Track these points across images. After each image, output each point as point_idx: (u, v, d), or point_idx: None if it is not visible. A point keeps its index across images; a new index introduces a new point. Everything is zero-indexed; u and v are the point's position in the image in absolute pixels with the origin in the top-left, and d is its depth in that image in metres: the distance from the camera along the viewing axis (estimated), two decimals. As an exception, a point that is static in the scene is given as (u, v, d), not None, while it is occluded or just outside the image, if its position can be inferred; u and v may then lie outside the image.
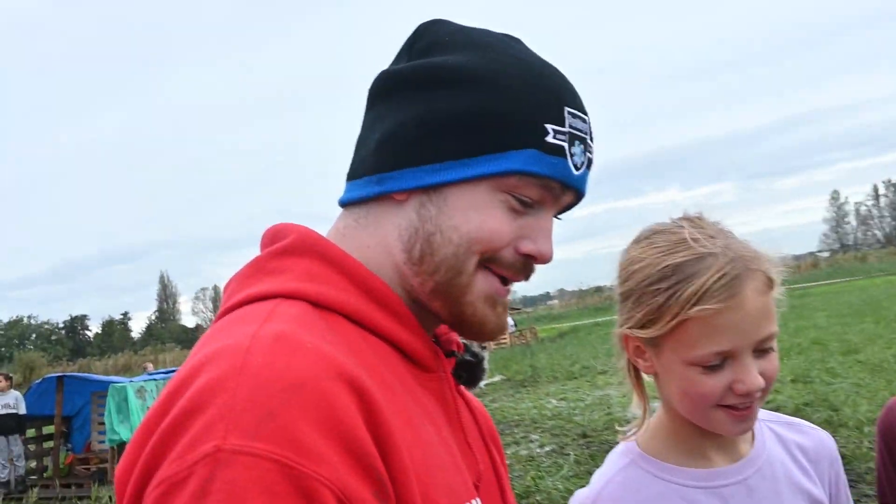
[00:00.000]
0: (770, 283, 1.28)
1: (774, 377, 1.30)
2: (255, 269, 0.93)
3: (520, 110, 0.90)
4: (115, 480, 0.80)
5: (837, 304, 26.18)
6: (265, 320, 0.81)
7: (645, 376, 1.45)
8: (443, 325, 1.00)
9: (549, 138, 0.90)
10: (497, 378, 18.73)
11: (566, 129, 0.92)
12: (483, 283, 0.93)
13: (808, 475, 1.43)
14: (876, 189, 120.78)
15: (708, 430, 1.36)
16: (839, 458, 1.49)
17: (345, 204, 1.01)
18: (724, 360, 1.26)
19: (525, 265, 0.95)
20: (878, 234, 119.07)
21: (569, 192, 0.95)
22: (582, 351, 23.49)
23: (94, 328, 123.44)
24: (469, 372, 1.04)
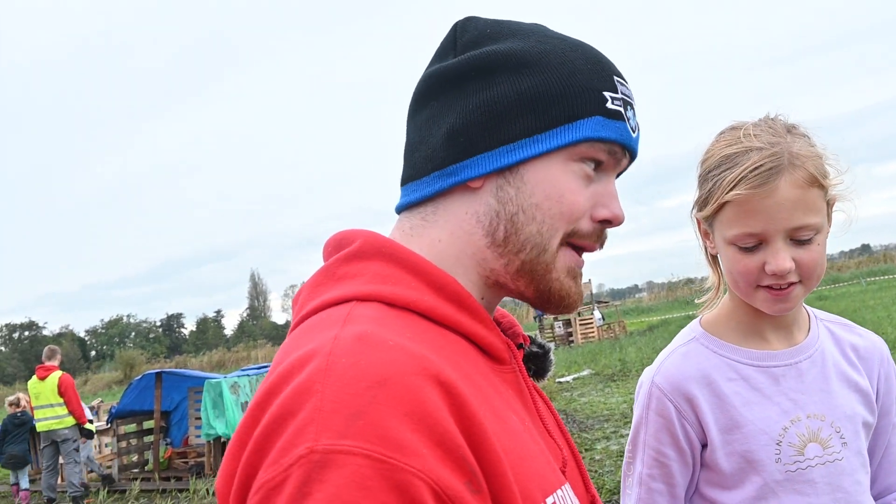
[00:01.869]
0: (812, 179, 1.39)
1: (813, 267, 1.42)
2: (325, 277, 0.94)
3: (579, 83, 0.95)
4: (217, 492, 0.82)
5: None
6: (344, 323, 0.83)
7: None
8: (507, 318, 1.02)
9: (609, 105, 0.96)
10: (585, 372, 18.55)
11: (620, 96, 0.97)
12: (565, 258, 0.97)
13: (857, 369, 1.57)
14: None
15: (758, 309, 1.51)
16: (891, 359, 1.62)
17: (407, 206, 1.02)
18: (758, 242, 1.42)
19: (600, 232, 0.99)
20: None
21: (627, 155, 1.00)
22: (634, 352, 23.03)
23: (190, 326, 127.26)
24: (537, 363, 1.04)
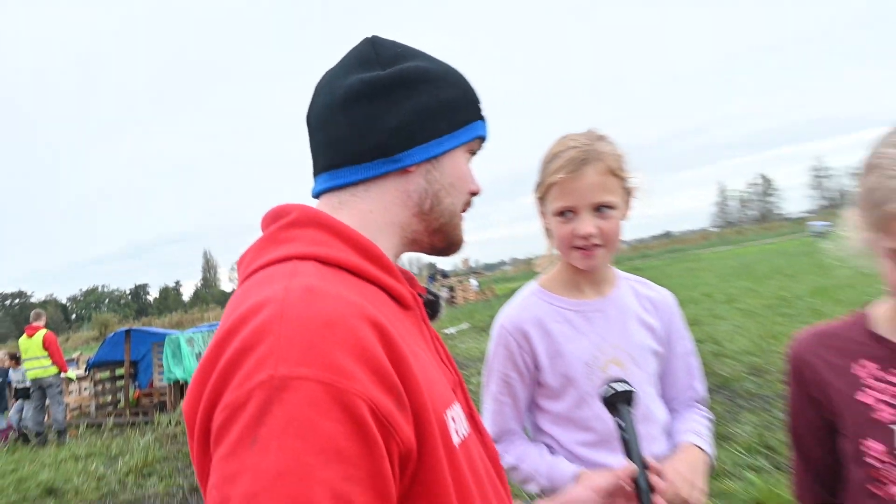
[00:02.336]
0: (610, 170, 1.51)
1: (610, 234, 1.52)
2: (268, 242, 0.91)
3: (470, 95, 1.03)
4: (184, 414, 0.80)
5: (722, 267, 26.46)
6: (291, 276, 0.81)
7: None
8: (408, 274, 1.02)
9: (483, 111, 1.05)
10: (464, 325, 18.79)
11: (482, 105, 1.06)
12: (461, 218, 1.05)
13: (651, 314, 1.66)
14: (752, 180, 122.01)
15: (577, 269, 1.59)
16: (675, 306, 1.72)
17: (335, 187, 0.98)
18: (572, 213, 1.52)
19: (471, 201, 1.06)
20: (753, 213, 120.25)
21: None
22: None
23: (154, 294, 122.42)
24: (431, 309, 1.05)
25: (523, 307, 1.65)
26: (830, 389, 1.20)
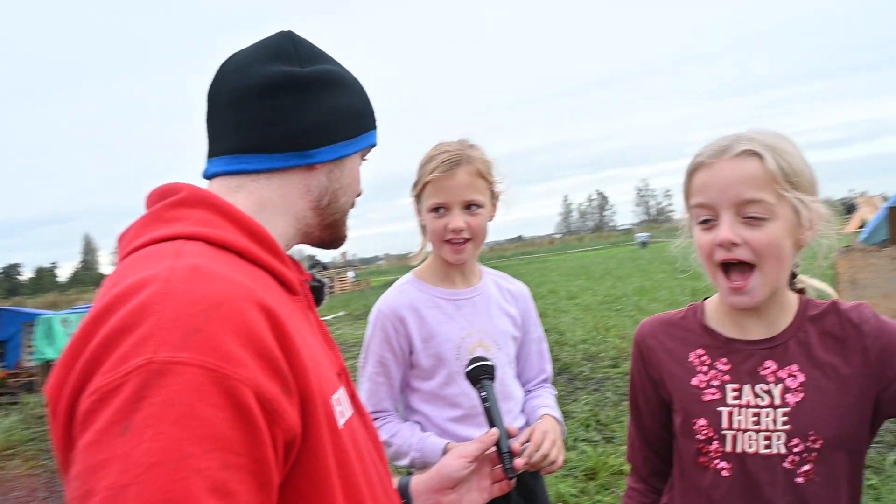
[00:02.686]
0: (478, 172, 1.55)
1: (478, 230, 1.56)
2: (153, 219, 0.80)
3: (370, 103, 0.99)
4: (48, 396, 0.68)
5: (565, 268, 27.85)
6: (176, 256, 0.71)
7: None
8: (294, 261, 0.94)
9: (376, 121, 1.01)
10: (341, 313, 18.49)
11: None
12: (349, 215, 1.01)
13: (510, 303, 1.72)
14: (590, 195, 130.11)
15: (448, 262, 1.60)
16: (530, 298, 1.79)
17: (238, 172, 0.88)
18: (444, 210, 1.55)
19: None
20: (591, 223, 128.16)
21: None
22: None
23: (28, 274, 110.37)
24: (316, 295, 0.98)
25: (400, 294, 1.66)
26: (668, 373, 1.24)
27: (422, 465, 1.52)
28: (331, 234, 0.98)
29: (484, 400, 1.26)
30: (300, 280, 0.89)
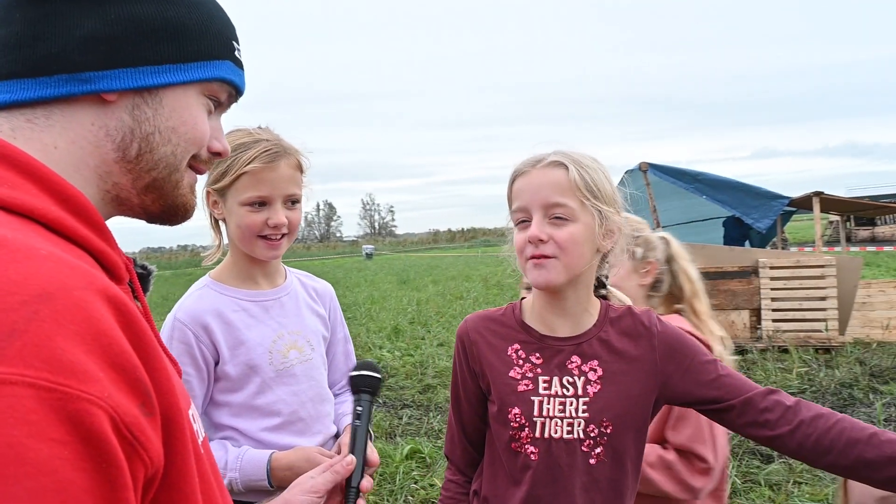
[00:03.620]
0: (298, 164, 1.47)
1: (296, 225, 1.48)
2: None
3: (216, 27, 0.74)
4: None
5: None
6: None
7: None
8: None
9: (237, 53, 0.77)
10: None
11: (239, 48, 0.79)
12: (189, 177, 0.76)
13: (317, 303, 1.63)
14: (318, 205, 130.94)
15: (254, 257, 1.47)
16: (335, 297, 1.71)
17: (9, 104, 0.65)
18: (261, 204, 1.41)
19: (210, 161, 0.78)
20: (317, 233, 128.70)
21: (236, 99, 0.81)
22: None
23: None
24: (143, 284, 0.76)
25: (199, 299, 1.47)
26: (489, 365, 1.30)
27: (245, 486, 1.35)
28: (156, 202, 0.73)
29: (357, 416, 1.13)
30: (126, 262, 0.68)
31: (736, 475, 3.87)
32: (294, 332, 1.52)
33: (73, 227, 0.59)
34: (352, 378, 1.19)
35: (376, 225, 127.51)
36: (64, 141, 0.65)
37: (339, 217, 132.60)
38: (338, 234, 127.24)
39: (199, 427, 0.65)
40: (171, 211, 0.75)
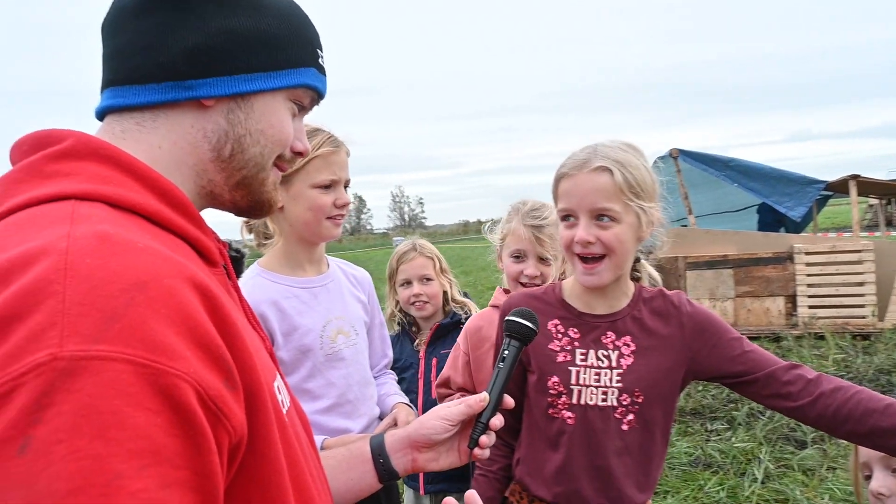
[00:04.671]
0: (348, 152, 1.59)
1: (346, 204, 1.59)
2: (28, 174, 0.64)
3: (303, 36, 0.81)
4: None
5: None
6: (73, 220, 0.57)
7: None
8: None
9: (321, 60, 0.84)
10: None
11: (322, 55, 0.85)
12: (273, 174, 0.83)
13: (358, 290, 1.74)
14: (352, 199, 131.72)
15: (306, 244, 1.59)
16: (372, 282, 1.82)
17: (116, 108, 0.74)
18: (332, 184, 1.55)
19: (293, 160, 0.86)
20: (349, 226, 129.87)
21: (318, 103, 0.88)
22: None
23: None
24: (236, 266, 0.85)
25: (254, 288, 1.56)
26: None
27: None
28: (245, 197, 0.81)
29: (502, 359, 1.15)
30: (220, 248, 0.77)
31: (769, 460, 3.89)
32: (339, 317, 1.62)
33: (170, 219, 0.67)
34: (507, 322, 1.17)
35: (406, 217, 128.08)
36: (167, 142, 0.74)
37: (369, 210, 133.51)
38: (368, 227, 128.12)
39: (283, 397, 0.72)
40: (258, 206, 0.83)
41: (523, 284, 1.83)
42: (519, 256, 1.83)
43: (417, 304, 2.28)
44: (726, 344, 1.34)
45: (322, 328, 1.57)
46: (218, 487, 0.55)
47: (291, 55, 0.79)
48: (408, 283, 2.29)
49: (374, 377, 1.77)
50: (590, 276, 1.33)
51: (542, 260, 1.81)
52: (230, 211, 0.84)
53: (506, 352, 1.15)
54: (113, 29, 0.75)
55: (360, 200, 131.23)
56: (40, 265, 0.51)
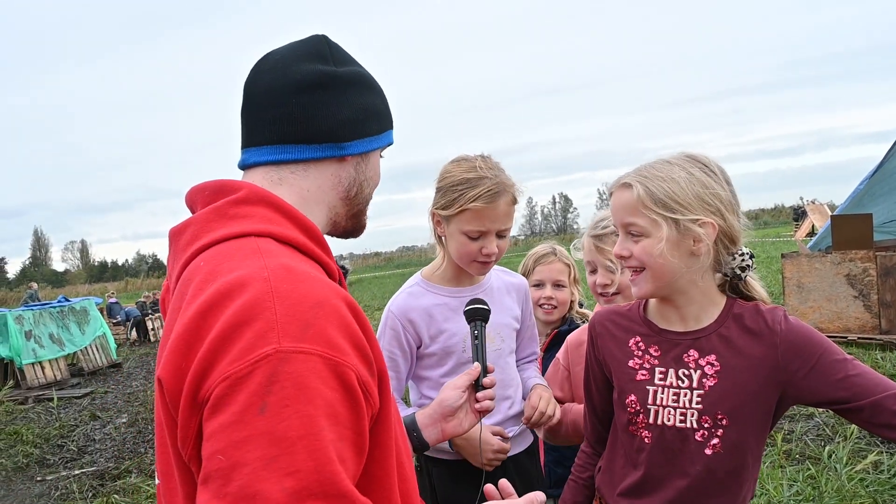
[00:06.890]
0: (514, 199, 1.68)
1: (504, 251, 1.69)
2: (217, 215, 0.88)
3: (388, 105, 1.08)
4: (164, 382, 0.75)
5: (528, 269, 28.05)
6: (262, 255, 0.80)
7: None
8: None
9: (393, 123, 1.10)
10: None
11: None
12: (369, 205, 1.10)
13: (512, 298, 1.86)
14: (554, 198, 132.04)
15: (466, 272, 1.74)
16: (528, 290, 1.93)
17: (273, 162, 0.97)
18: (481, 235, 1.64)
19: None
20: (554, 226, 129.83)
21: None
22: (365, 292, 23.76)
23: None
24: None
25: (409, 297, 1.78)
26: (611, 355, 1.43)
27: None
28: (353, 224, 1.07)
29: (475, 337, 1.49)
30: (338, 270, 0.97)
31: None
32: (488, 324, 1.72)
33: (311, 249, 0.89)
34: (467, 311, 1.52)
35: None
36: (314, 187, 0.98)
37: (575, 209, 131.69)
38: (574, 226, 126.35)
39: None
40: (359, 230, 1.09)
41: (600, 294, 1.88)
42: (592, 269, 1.91)
43: (546, 307, 2.33)
44: (828, 366, 1.22)
45: (467, 333, 1.68)
46: (366, 444, 0.77)
47: (388, 121, 1.06)
48: (541, 284, 2.35)
49: (520, 366, 1.90)
50: (633, 287, 1.35)
51: (610, 269, 1.83)
52: (338, 235, 1.08)
53: (476, 331, 1.50)
54: (271, 100, 0.96)
55: (566, 199, 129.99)
56: (253, 288, 0.74)
